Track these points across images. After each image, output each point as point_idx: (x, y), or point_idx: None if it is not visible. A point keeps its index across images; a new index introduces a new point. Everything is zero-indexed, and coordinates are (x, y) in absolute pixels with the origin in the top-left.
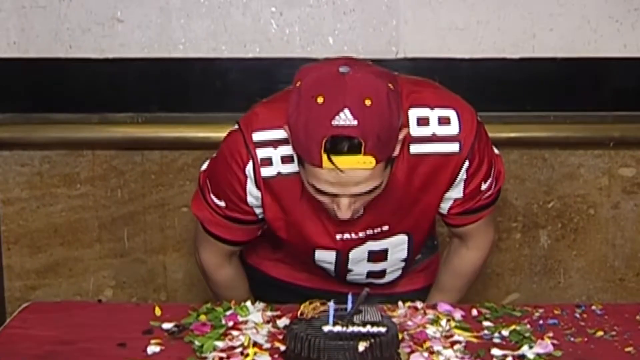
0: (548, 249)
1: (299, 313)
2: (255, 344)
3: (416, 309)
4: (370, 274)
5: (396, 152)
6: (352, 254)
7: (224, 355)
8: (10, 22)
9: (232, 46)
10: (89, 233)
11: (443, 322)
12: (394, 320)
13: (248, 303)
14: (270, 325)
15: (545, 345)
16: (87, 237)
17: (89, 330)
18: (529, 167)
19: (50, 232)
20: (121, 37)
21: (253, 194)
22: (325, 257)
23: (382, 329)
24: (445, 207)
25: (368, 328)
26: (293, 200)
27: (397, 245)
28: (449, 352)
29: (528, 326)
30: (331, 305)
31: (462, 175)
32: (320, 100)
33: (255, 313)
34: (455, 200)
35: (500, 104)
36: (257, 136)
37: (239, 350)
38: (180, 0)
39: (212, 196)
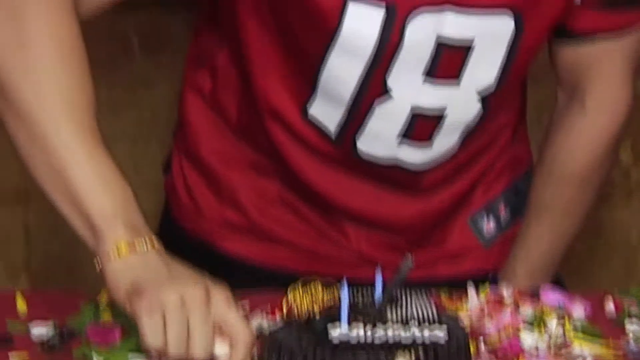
0: None
1: (284, 307)
2: None
3: (501, 299)
4: (415, 115)
5: None
6: (411, 29)
7: None
8: None
9: None
10: None
11: (551, 323)
12: (460, 317)
13: None
14: None
15: None
16: None
17: None
18: None
19: None
20: None
21: None
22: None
23: (439, 333)
24: None
25: (413, 331)
26: None
27: (494, 39)
28: None
29: None
30: (344, 288)
31: None
32: None
33: None
34: None
35: None
36: None
37: None
38: None
39: None
